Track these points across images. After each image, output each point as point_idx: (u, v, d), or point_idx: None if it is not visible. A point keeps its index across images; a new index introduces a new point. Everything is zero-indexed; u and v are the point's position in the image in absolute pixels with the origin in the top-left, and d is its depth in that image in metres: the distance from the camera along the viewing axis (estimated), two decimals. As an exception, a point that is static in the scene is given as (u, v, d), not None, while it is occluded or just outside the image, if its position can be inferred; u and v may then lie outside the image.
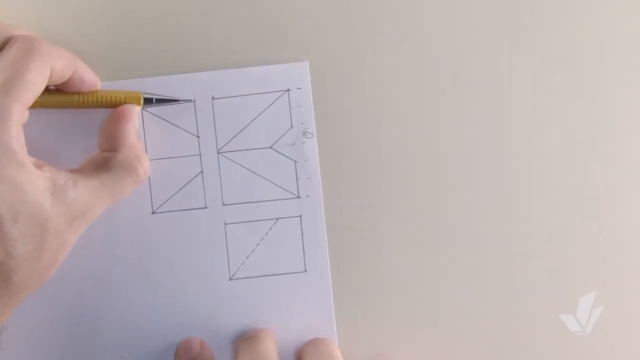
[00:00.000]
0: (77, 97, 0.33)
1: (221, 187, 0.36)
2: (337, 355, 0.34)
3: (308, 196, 0.36)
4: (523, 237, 0.37)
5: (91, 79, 0.33)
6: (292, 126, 0.36)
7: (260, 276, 0.36)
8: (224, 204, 0.36)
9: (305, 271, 0.36)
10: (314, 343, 0.35)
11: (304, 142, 0.36)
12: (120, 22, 0.36)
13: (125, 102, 0.34)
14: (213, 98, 0.36)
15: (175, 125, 0.36)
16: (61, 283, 0.35)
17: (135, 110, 0.34)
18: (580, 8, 0.37)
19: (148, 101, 0.34)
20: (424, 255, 0.37)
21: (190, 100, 0.35)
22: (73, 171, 0.31)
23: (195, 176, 0.36)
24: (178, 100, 0.35)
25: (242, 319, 0.36)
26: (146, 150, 0.35)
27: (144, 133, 0.35)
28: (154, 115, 0.35)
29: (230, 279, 0.36)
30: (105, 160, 0.33)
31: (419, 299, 0.37)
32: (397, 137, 0.36)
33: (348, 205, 0.36)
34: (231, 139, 0.36)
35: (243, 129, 0.36)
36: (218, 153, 0.36)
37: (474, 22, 0.36)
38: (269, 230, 0.36)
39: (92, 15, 0.36)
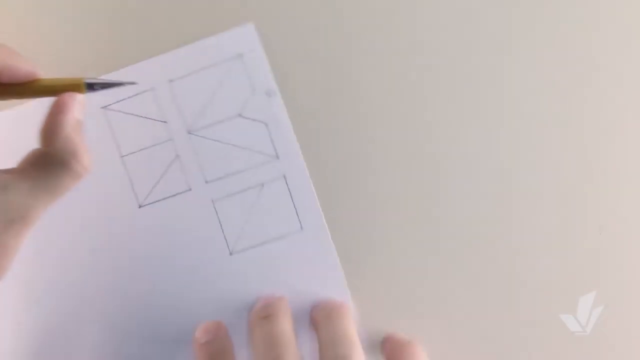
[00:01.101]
0: (15, 87, 0.30)
1: (200, 166, 0.36)
2: (351, 333, 0.33)
3: (287, 155, 0.36)
4: (523, 237, 0.36)
5: (27, 69, 0.30)
6: (254, 90, 0.36)
7: (260, 244, 0.36)
8: (206, 182, 0.36)
9: (302, 229, 0.36)
10: (329, 317, 0.34)
11: (269, 102, 0.36)
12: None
13: (65, 91, 0.31)
14: (170, 81, 0.36)
15: (140, 116, 0.36)
16: (65, 288, 0.35)
17: (76, 99, 0.30)
18: (580, 8, 0.36)
19: (90, 87, 0.31)
20: (423, 255, 0.36)
21: (134, 83, 0.33)
22: (8, 171, 0.29)
23: (172, 161, 0.36)
24: (122, 83, 0.32)
25: (250, 290, 0.36)
26: (119, 147, 0.36)
27: (113, 133, 0.36)
28: (118, 111, 0.36)
29: (231, 254, 0.36)
30: (40, 156, 0.30)
31: (419, 298, 0.36)
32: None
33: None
34: (198, 117, 0.36)
35: (207, 104, 0.36)
36: (189, 134, 0.36)
37: (474, 22, 0.36)
38: (257, 197, 0.36)
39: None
